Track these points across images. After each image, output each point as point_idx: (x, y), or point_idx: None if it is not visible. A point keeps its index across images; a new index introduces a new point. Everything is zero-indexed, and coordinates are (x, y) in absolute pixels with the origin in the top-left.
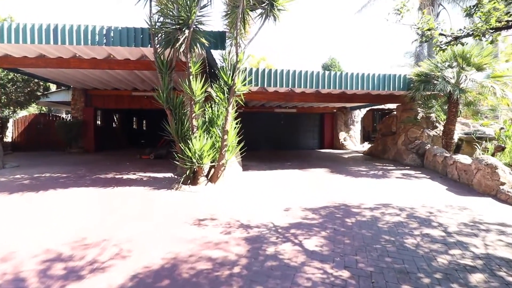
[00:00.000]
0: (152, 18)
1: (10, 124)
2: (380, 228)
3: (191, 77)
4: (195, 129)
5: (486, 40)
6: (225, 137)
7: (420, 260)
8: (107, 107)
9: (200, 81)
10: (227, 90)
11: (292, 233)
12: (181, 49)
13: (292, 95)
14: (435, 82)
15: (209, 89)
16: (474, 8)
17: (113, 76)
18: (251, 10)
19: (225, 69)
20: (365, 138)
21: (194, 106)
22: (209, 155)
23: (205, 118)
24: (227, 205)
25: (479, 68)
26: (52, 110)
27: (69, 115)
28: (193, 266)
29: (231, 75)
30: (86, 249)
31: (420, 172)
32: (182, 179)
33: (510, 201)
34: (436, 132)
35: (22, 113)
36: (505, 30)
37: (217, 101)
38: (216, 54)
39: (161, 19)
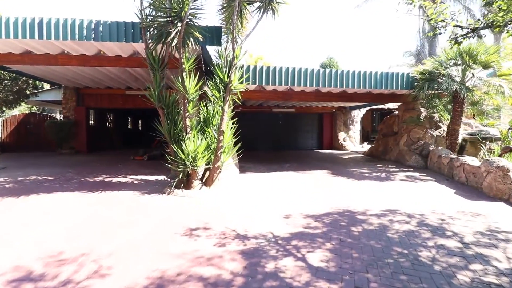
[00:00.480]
0: (143, 12)
1: None
2: (390, 239)
3: (184, 74)
4: (188, 130)
5: (508, 31)
6: (221, 137)
7: (438, 277)
8: (100, 107)
9: (194, 78)
10: (223, 88)
11: (294, 245)
12: (174, 43)
13: (291, 94)
14: (440, 80)
15: (204, 88)
16: None
17: (105, 74)
18: (249, 4)
19: (221, 66)
20: (364, 138)
21: (187, 105)
22: (203, 157)
23: (199, 117)
24: (222, 211)
25: (486, 66)
26: (45, 110)
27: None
28: None
29: (227, 72)
30: (61, 266)
31: (424, 174)
32: (175, 183)
33: None
34: (439, 133)
35: (12, 113)
36: None
37: (212, 99)
38: (212, 51)
39: (153, 12)
